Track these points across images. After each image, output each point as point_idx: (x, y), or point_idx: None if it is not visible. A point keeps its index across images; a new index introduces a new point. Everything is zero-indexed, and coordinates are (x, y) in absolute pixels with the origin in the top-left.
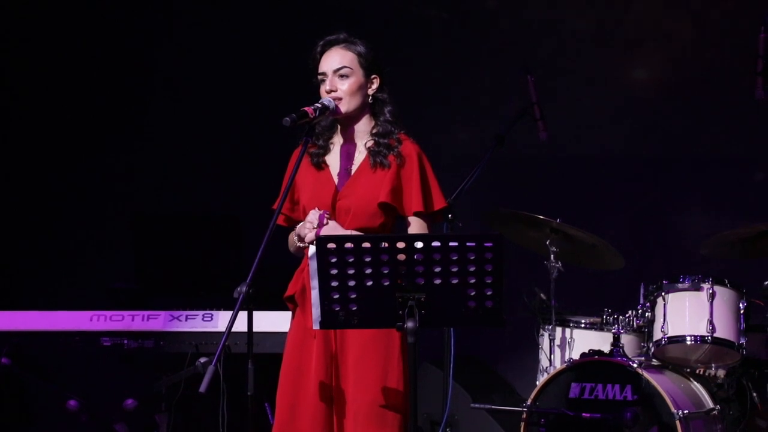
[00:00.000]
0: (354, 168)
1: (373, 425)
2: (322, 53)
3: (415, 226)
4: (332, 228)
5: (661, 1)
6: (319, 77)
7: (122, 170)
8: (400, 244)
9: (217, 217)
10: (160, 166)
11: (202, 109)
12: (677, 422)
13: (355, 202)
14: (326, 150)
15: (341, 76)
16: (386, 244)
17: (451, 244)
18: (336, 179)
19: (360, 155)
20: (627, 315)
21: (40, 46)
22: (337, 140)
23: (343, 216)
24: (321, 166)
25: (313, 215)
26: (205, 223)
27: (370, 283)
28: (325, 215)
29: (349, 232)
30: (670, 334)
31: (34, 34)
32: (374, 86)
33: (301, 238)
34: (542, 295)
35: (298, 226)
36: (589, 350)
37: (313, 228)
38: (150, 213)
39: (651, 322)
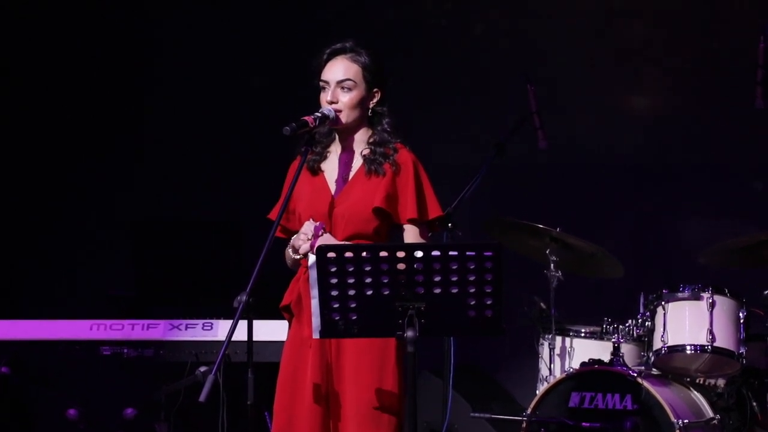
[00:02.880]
0: (350, 176)
1: (367, 427)
2: (327, 60)
3: (410, 233)
4: (326, 240)
5: (664, 12)
6: (321, 84)
7: (122, 177)
8: (400, 254)
9: (217, 224)
10: (160, 172)
11: (202, 114)
12: None
13: (350, 208)
14: (323, 157)
15: (344, 88)
16: (386, 254)
17: (450, 253)
18: (332, 187)
19: (357, 163)
20: (627, 324)
21: (41, 48)
22: (335, 148)
23: (339, 223)
24: (317, 172)
25: (308, 227)
26: (205, 230)
27: (370, 293)
28: (321, 227)
29: (343, 244)
30: (670, 343)
31: (35, 36)
32: (375, 100)
33: (295, 250)
34: (542, 304)
35: (293, 237)
36: (589, 359)
37: (308, 239)
38: (149, 220)
39: (651, 331)
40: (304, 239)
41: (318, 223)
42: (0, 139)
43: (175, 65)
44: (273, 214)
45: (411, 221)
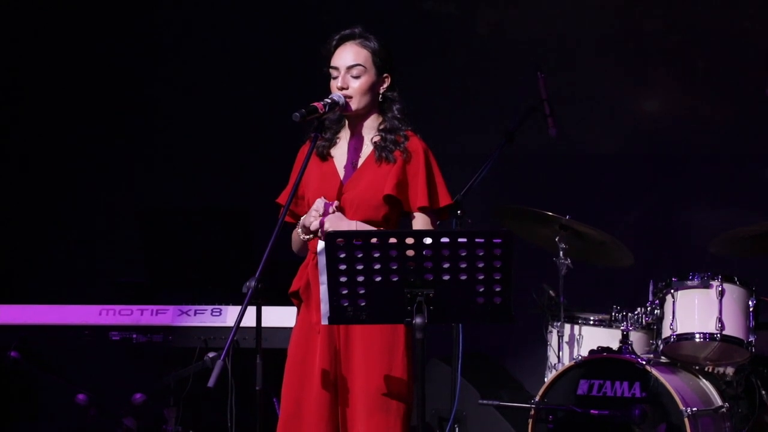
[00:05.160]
0: (360, 162)
1: (376, 413)
2: (336, 47)
3: (420, 221)
4: (337, 218)
5: (673, 3)
6: (331, 71)
7: (131, 164)
8: (409, 240)
9: (226, 212)
10: (169, 160)
11: (211, 102)
12: (686, 420)
13: (360, 195)
14: (332, 143)
15: (354, 74)
16: (395, 240)
17: (460, 240)
18: (341, 173)
19: (367, 150)
20: (636, 312)
21: (46, 39)
22: (344, 134)
23: (348, 209)
24: (326, 158)
25: (319, 203)
26: (214, 218)
27: (378, 279)
28: (331, 205)
29: (354, 223)
30: (679, 331)
31: (40, 28)
32: (385, 85)
33: (306, 229)
34: (551, 291)
35: (303, 216)
36: (598, 347)
37: (319, 216)
38: (158, 207)
39: (660, 319)
40: (315, 215)
41: (332, 202)
42: (11, 126)
43: (182, 58)
44: (281, 199)
45: (421, 209)
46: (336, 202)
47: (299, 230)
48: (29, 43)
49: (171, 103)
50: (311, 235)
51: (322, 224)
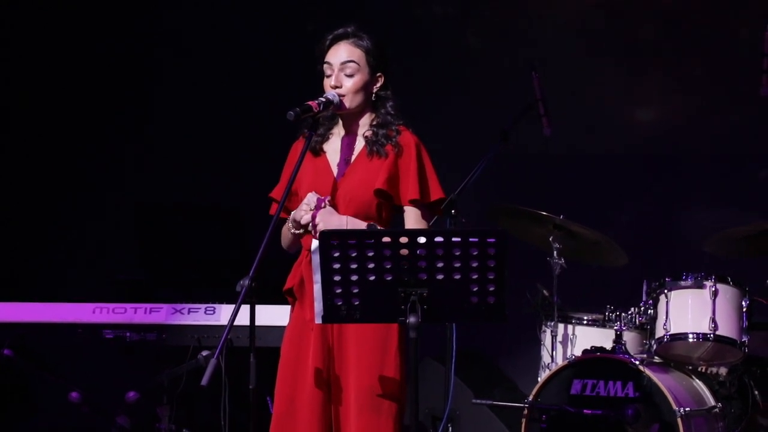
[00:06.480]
0: (353, 158)
1: (368, 412)
2: (330, 45)
3: (412, 215)
4: (328, 212)
5: (667, 2)
6: (325, 69)
7: (126, 161)
8: (403, 239)
9: (221, 210)
10: (164, 157)
11: (206, 100)
12: (678, 420)
13: (352, 189)
14: (325, 138)
15: (347, 72)
16: (389, 239)
17: (454, 239)
18: (335, 169)
19: (359, 145)
20: (629, 312)
21: (46, 39)
22: (337, 131)
23: (341, 204)
24: (319, 153)
25: (311, 198)
26: (209, 216)
27: (372, 278)
28: (324, 200)
29: (345, 217)
30: (673, 331)
31: (36, 22)
32: (379, 84)
33: (297, 223)
34: (545, 291)
35: (293, 212)
36: (591, 347)
37: (310, 210)
38: (153, 205)
39: (653, 319)
40: (306, 209)
41: (324, 197)
42: (6, 124)
43: (178, 55)
44: (275, 193)
45: (412, 202)
46: (328, 197)
47: (290, 224)
48: (29, 43)
49: (171, 103)
50: (301, 230)
51: (313, 218)
